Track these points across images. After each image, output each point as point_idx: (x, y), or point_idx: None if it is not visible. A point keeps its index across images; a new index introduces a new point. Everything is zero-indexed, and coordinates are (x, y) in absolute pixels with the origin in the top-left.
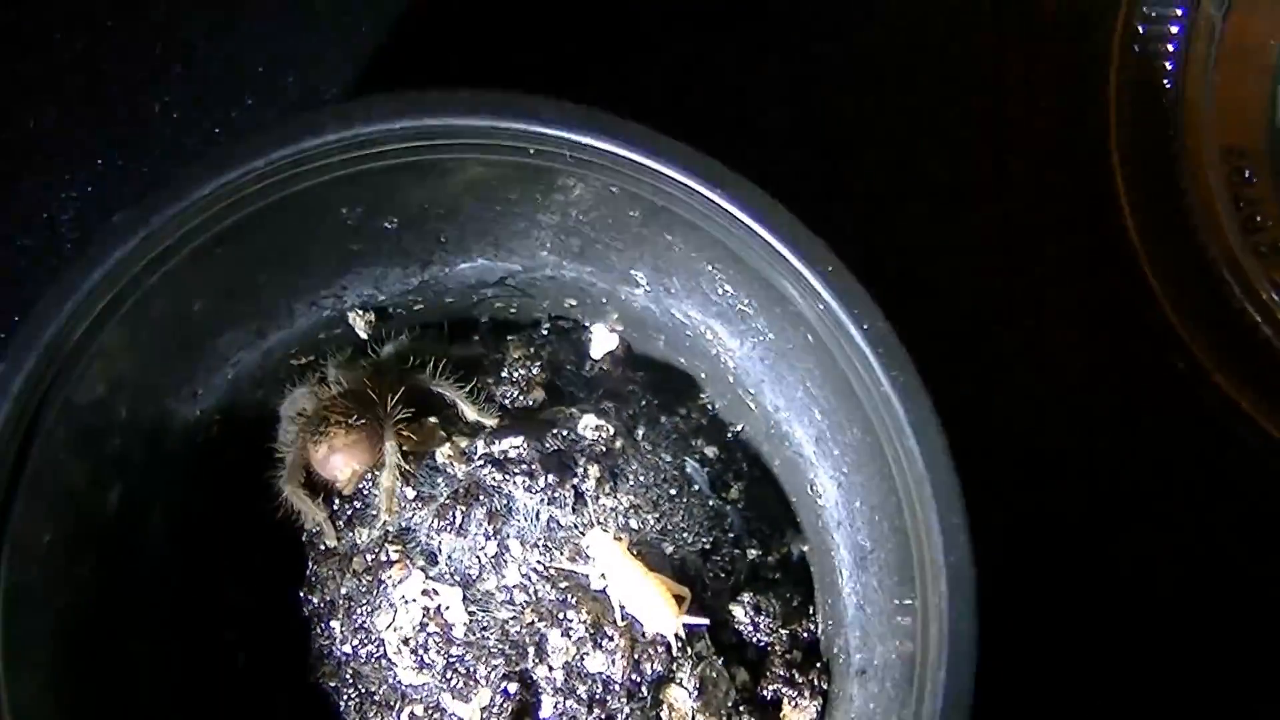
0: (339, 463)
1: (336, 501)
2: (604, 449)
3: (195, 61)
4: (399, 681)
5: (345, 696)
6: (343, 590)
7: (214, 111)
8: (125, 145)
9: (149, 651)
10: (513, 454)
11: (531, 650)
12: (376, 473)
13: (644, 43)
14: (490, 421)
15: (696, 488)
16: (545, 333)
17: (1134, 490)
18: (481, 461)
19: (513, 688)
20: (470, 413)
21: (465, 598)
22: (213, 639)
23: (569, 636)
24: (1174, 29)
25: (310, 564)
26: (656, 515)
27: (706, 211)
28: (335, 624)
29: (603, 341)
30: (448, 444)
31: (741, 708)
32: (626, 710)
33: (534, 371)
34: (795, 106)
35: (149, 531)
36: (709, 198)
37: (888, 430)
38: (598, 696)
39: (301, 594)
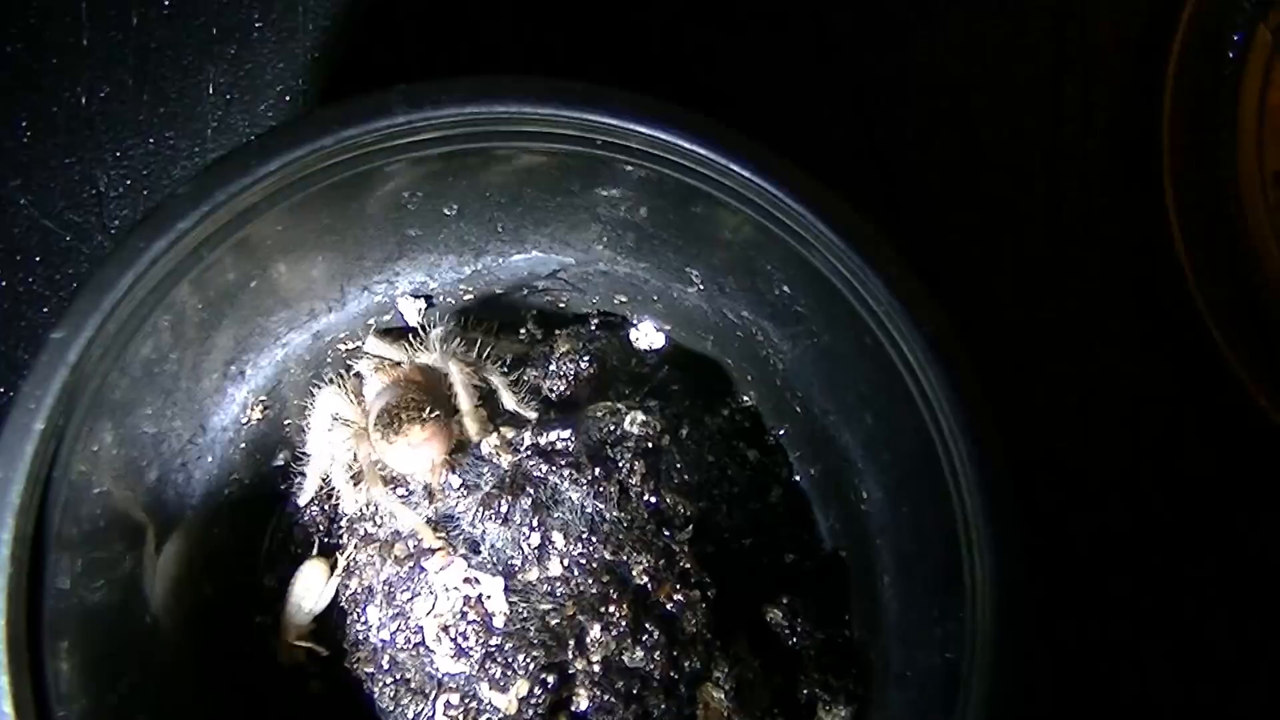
0: (421, 456)
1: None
2: (649, 446)
3: (248, 43)
4: (436, 669)
5: (380, 683)
6: (382, 576)
7: (266, 94)
8: (176, 124)
9: (180, 636)
10: (560, 446)
11: (571, 643)
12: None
13: (703, 49)
14: (530, 415)
15: (737, 490)
16: (593, 327)
17: (1180, 513)
18: (528, 452)
19: (551, 679)
20: (510, 403)
21: (507, 587)
22: (244, 623)
23: (609, 631)
24: (1230, 55)
25: (349, 549)
26: (698, 515)
27: (772, 209)
28: (373, 610)
29: (650, 338)
30: (494, 434)
31: (776, 709)
32: (663, 707)
33: (581, 365)
34: (851, 120)
35: (183, 513)
36: (777, 196)
37: (944, 438)
38: (635, 692)
39: (338, 579)
